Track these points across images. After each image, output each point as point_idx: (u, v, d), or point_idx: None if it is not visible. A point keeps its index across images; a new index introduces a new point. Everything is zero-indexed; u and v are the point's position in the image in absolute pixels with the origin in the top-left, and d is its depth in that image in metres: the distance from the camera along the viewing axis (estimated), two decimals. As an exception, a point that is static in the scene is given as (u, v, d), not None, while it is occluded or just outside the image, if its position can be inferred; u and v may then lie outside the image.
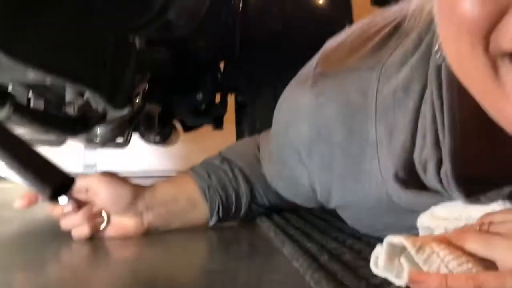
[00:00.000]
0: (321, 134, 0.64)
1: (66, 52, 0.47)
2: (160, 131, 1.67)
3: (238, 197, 0.84)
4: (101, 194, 0.73)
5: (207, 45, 1.46)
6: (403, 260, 0.47)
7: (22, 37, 0.45)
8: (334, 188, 0.68)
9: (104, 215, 0.76)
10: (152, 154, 2.84)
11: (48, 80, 0.46)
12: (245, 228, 0.89)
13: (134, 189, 0.77)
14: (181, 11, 0.66)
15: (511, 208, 0.50)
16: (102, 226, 0.75)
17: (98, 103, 0.58)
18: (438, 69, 0.53)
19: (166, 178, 0.84)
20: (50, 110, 0.84)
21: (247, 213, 0.88)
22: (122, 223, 0.76)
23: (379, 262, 0.50)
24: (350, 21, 1.42)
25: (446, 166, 0.54)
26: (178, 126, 1.87)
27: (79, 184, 0.73)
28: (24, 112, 0.65)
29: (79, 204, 0.73)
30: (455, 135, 0.53)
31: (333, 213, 0.98)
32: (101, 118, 1.02)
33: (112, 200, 0.74)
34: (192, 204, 0.81)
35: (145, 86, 1.02)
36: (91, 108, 0.75)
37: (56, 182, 0.25)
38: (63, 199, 0.69)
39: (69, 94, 0.65)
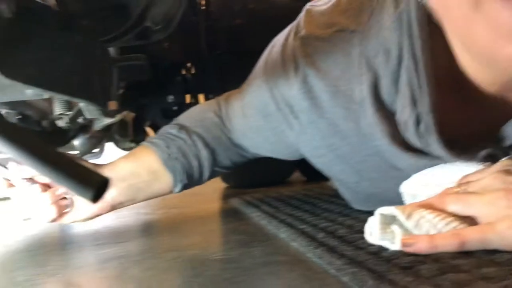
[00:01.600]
0: (311, 93, 0.68)
1: (59, 68, 0.49)
2: (135, 138, 1.67)
3: (200, 163, 0.84)
4: None
5: (173, 47, 1.48)
6: (395, 227, 0.52)
7: (18, 60, 0.47)
8: (320, 146, 0.72)
9: (71, 198, 0.78)
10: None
11: (45, 96, 0.48)
12: (236, 220, 0.92)
13: (92, 166, 0.78)
14: (158, 17, 0.68)
15: (484, 168, 0.55)
16: (68, 208, 0.78)
17: (91, 113, 0.60)
18: (410, 27, 0.58)
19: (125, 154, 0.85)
20: (29, 125, 0.85)
21: (211, 176, 0.89)
22: (87, 203, 0.76)
23: (373, 232, 0.55)
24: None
25: (425, 120, 0.59)
26: (148, 130, 1.88)
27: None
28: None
29: (43, 189, 0.75)
30: (431, 91, 0.58)
31: (317, 196, 1.03)
32: (81, 129, 1.03)
33: None
34: (154, 176, 0.82)
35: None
36: (75, 120, 0.76)
37: (96, 185, 0.27)
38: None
39: (59, 107, 0.67)
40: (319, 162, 0.77)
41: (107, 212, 0.81)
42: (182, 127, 0.86)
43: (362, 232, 0.61)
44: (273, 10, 1.48)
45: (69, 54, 0.51)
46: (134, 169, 0.82)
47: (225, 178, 1.72)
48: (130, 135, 1.60)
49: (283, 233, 0.70)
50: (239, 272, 0.54)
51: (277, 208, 0.92)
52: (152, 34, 0.71)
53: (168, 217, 1.09)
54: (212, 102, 0.92)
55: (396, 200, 0.63)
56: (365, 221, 0.71)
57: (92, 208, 0.79)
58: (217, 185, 1.72)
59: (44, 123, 0.85)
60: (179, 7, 0.68)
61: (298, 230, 0.68)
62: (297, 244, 0.62)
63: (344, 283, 0.45)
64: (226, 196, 1.42)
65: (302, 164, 1.63)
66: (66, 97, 0.53)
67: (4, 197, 2.19)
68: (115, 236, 0.88)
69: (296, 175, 1.71)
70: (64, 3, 0.55)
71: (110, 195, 0.79)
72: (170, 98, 1.58)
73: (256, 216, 0.88)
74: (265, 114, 0.77)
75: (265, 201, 1.03)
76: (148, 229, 0.98)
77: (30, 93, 0.48)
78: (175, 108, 1.64)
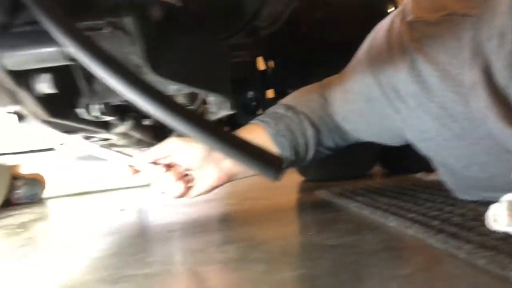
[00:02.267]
0: (419, 77, 0.69)
1: (196, 65, 0.53)
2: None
3: (306, 140, 0.88)
4: (181, 152, 0.82)
5: (253, 42, 1.52)
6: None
7: (164, 59, 0.52)
8: (428, 130, 0.72)
9: (192, 174, 0.85)
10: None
11: (185, 91, 0.53)
12: (333, 210, 0.94)
13: None
14: (267, 15, 0.72)
15: None
16: (191, 183, 0.85)
17: (219, 107, 0.65)
18: None
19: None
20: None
21: (315, 156, 0.92)
22: (206, 176, 0.84)
23: (499, 218, 0.55)
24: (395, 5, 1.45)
25: None
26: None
27: (160, 151, 0.83)
28: (139, 125, 0.73)
29: (167, 169, 0.83)
30: None
31: (410, 187, 1.02)
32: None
33: (191, 155, 0.82)
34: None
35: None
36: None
37: (278, 164, 0.29)
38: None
39: (182, 101, 0.72)
40: (426, 146, 0.77)
41: (224, 184, 0.87)
42: (289, 107, 0.89)
43: (478, 219, 0.62)
44: (352, 3, 1.48)
45: (203, 52, 0.55)
46: None
47: (303, 171, 1.74)
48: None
49: (392, 222, 0.71)
50: (361, 256, 0.57)
51: (374, 198, 0.93)
52: (260, 31, 0.74)
53: (258, 207, 1.13)
54: (314, 85, 0.95)
55: (505, 187, 0.63)
56: (475, 210, 0.71)
57: (211, 181, 0.85)
58: (293, 178, 1.75)
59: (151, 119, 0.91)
60: (288, 5, 0.71)
61: (408, 219, 0.69)
62: (413, 231, 0.63)
63: (478, 267, 0.46)
64: (308, 189, 1.44)
65: (384, 157, 1.63)
66: (204, 92, 0.58)
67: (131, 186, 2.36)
68: (221, 223, 0.93)
69: (375, 169, 1.70)
70: (189, 4, 0.59)
71: (226, 166, 0.85)
72: (250, 94, 1.62)
73: (354, 207, 0.90)
74: (369, 99, 0.79)
75: (357, 193, 1.04)
76: (246, 218, 1.02)
77: (173, 89, 0.52)
78: (254, 103, 1.68)
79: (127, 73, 0.34)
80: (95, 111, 0.54)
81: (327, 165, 1.56)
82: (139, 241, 0.87)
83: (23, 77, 0.43)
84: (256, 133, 0.88)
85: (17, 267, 0.73)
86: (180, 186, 0.84)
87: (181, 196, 0.86)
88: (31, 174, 2.31)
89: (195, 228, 0.93)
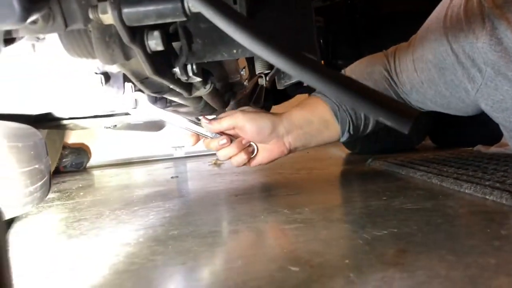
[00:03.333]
0: (500, 45, 0.69)
1: (288, 27, 0.54)
2: (264, 105, 1.74)
3: (366, 115, 0.90)
4: (247, 128, 0.85)
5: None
6: None
7: (262, 18, 0.52)
8: (506, 99, 0.72)
9: (253, 144, 0.89)
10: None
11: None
12: (397, 180, 0.94)
13: (273, 118, 0.88)
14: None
15: None
16: (254, 154, 0.89)
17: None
18: None
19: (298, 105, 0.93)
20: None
21: (373, 128, 0.94)
22: (269, 149, 0.88)
23: None
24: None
25: None
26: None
27: (227, 123, 0.86)
28: (215, 90, 0.74)
29: (231, 139, 0.88)
30: None
31: (472, 158, 1.01)
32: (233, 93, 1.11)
33: (257, 131, 0.86)
34: (325, 125, 0.90)
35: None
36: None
37: (412, 116, 0.30)
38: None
39: (260, 66, 0.73)
40: (502, 116, 0.76)
41: (284, 156, 0.91)
42: None
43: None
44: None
45: (294, 13, 0.55)
46: (308, 118, 0.89)
47: (350, 145, 1.74)
48: (262, 102, 1.67)
49: (467, 189, 0.71)
50: (448, 218, 0.57)
51: (439, 169, 0.93)
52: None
53: (315, 176, 1.14)
54: (379, 55, 0.94)
55: None
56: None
57: (273, 154, 0.89)
58: (335, 151, 1.75)
59: (218, 84, 0.92)
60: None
61: (485, 186, 0.69)
62: (494, 197, 0.64)
63: None
64: (357, 161, 1.44)
65: (434, 131, 1.61)
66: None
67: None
68: (284, 189, 0.94)
69: (423, 144, 1.69)
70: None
71: (288, 141, 0.88)
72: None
73: (420, 176, 0.90)
74: (442, 68, 0.78)
75: (418, 163, 1.04)
76: (307, 185, 1.03)
77: (239, 52, 0.53)
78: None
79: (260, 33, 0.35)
80: (190, 71, 0.55)
81: (377, 138, 1.55)
82: (209, 204, 0.89)
83: (137, 33, 0.45)
84: (318, 107, 0.89)
85: (85, 227, 0.77)
86: (243, 157, 0.88)
87: (242, 165, 0.90)
88: (77, 144, 2.38)
89: (261, 193, 0.95)
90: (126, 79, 0.74)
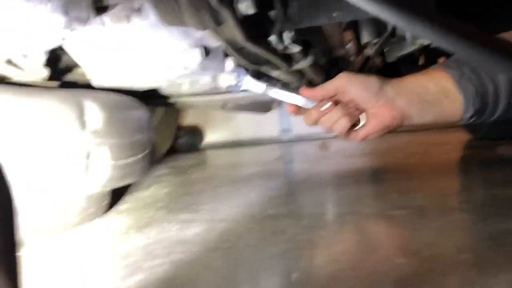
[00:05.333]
0: None
1: None
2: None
3: (496, 87, 0.73)
4: (350, 90, 0.74)
5: None
6: None
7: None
8: None
9: (361, 116, 0.77)
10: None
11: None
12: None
13: (379, 77, 0.74)
14: None
15: None
16: (362, 122, 0.77)
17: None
18: None
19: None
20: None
21: (506, 110, 0.76)
22: (378, 115, 0.73)
23: None
24: None
25: None
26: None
27: (330, 87, 0.75)
28: (317, 65, 0.70)
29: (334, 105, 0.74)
30: None
31: None
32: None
33: (362, 89, 0.73)
34: (444, 92, 0.74)
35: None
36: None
37: None
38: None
39: (367, 35, 0.67)
40: None
41: (397, 127, 0.78)
42: None
43: None
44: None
45: None
46: (423, 83, 0.75)
47: (472, 128, 1.56)
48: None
49: None
50: None
51: None
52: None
53: (432, 161, 1.03)
54: None
55: None
56: None
57: (383, 120, 0.76)
58: (454, 136, 1.58)
59: (321, 60, 0.86)
60: None
61: None
62: None
63: None
64: (482, 147, 1.28)
65: None
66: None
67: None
68: (395, 174, 0.87)
69: None
70: None
71: (399, 105, 0.75)
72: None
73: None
74: None
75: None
76: (422, 170, 0.94)
77: (339, 15, 0.47)
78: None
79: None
80: (287, 39, 0.51)
81: (504, 121, 1.36)
82: (311, 185, 0.85)
83: (227, -4, 0.42)
84: (436, 74, 0.77)
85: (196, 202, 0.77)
86: (345, 122, 0.76)
87: (346, 134, 0.78)
88: (191, 126, 2.50)
89: (369, 177, 0.88)
90: (226, 54, 0.72)
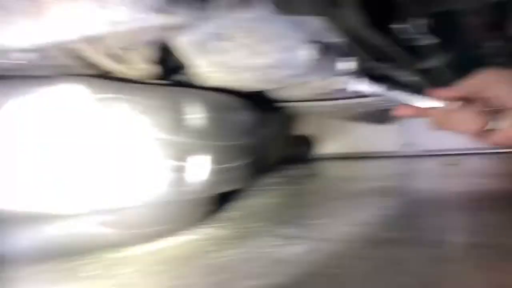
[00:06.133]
0: None
1: None
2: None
3: None
4: (496, 88, 0.61)
5: None
6: None
7: None
8: None
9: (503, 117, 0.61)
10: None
11: None
12: None
13: None
14: None
15: None
16: (503, 123, 0.61)
17: None
18: None
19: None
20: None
21: None
22: None
23: None
24: None
25: None
26: None
27: (470, 82, 0.61)
28: (449, 64, 0.58)
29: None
30: None
31: None
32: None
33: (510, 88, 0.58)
34: None
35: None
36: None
37: None
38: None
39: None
40: None
41: None
42: None
43: None
44: None
45: None
46: None
47: None
48: None
49: None
50: None
51: None
52: None
53: None
54: None
55: None
56: None
57: None
58: None
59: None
60: None
61: None
62: None
63: None
64: None
65: None
66: None
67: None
68: None
69: None
70: None
71: None
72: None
73: None
74: None
75: None
76: None
77: None
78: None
79: None
80: (419, 27, 0.42)
81: None
82: (437, 207, 0.73)
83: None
84: None
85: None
86: (481, 121, 0.61)
87: (482, 137, 0.63)
88: (305, 134, 2.44)
89: (505, 201, 0.73)
90: (342, 53, 0.65)
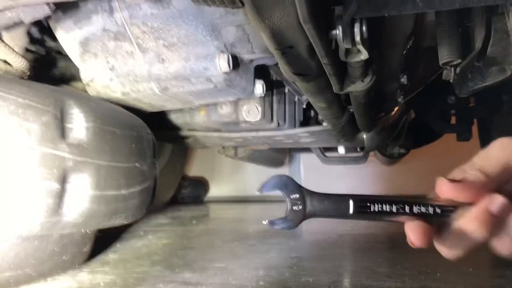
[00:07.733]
0: None
1: None
2: (403, 143, 1.49)
3: None
4: None
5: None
6: None
7: None
8: None
9: None
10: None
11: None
12: None
13: None
14: None
15: None
16: None
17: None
18: None
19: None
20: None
21: None
22: None
23: None
24: None
25: None
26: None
27: (489, 169, 0.37)
28: (369, 95, 0.54)
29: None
30: None
31: None
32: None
33: None
34: None
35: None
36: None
37: None
38: None
39: (445, 53, 0.51)
40: None
41: None
42: None
43: None
44: None
45: None
46: None
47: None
48: (402, 139, 1.43)
49: None
50: None
51: None
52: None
53: None
54: None
55: None
56: None
57: None
58: None
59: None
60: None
61: None
62: None
63: None
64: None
65: None
66: None
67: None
68: None
69: None
70: None
71: None
72: (451, 99, 1.35)
73: None
74: None
75: None
76: None
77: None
78: (452, 112, 1.41)
79: None
80: (357, 34, 0.36)
81: None
82: (348, 248, 0.68)
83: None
84: None
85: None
86: None
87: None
88: (196, 176, 2.34)
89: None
90: (257, 74, 0.59)
